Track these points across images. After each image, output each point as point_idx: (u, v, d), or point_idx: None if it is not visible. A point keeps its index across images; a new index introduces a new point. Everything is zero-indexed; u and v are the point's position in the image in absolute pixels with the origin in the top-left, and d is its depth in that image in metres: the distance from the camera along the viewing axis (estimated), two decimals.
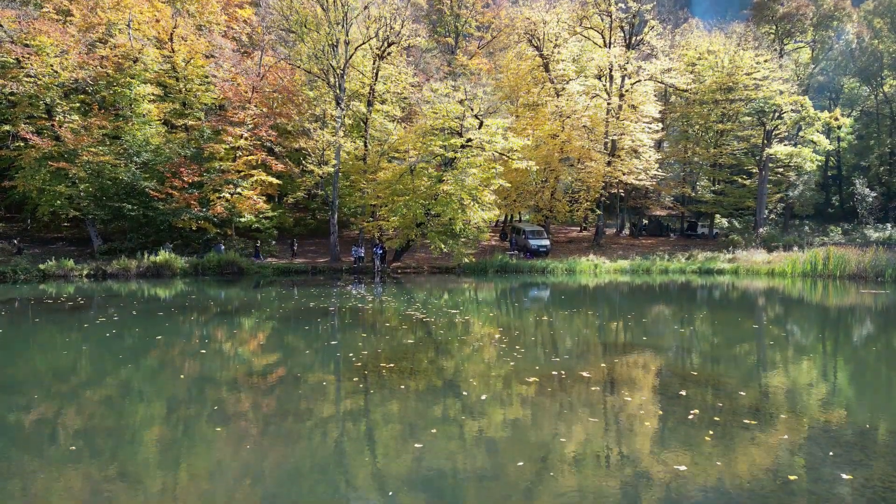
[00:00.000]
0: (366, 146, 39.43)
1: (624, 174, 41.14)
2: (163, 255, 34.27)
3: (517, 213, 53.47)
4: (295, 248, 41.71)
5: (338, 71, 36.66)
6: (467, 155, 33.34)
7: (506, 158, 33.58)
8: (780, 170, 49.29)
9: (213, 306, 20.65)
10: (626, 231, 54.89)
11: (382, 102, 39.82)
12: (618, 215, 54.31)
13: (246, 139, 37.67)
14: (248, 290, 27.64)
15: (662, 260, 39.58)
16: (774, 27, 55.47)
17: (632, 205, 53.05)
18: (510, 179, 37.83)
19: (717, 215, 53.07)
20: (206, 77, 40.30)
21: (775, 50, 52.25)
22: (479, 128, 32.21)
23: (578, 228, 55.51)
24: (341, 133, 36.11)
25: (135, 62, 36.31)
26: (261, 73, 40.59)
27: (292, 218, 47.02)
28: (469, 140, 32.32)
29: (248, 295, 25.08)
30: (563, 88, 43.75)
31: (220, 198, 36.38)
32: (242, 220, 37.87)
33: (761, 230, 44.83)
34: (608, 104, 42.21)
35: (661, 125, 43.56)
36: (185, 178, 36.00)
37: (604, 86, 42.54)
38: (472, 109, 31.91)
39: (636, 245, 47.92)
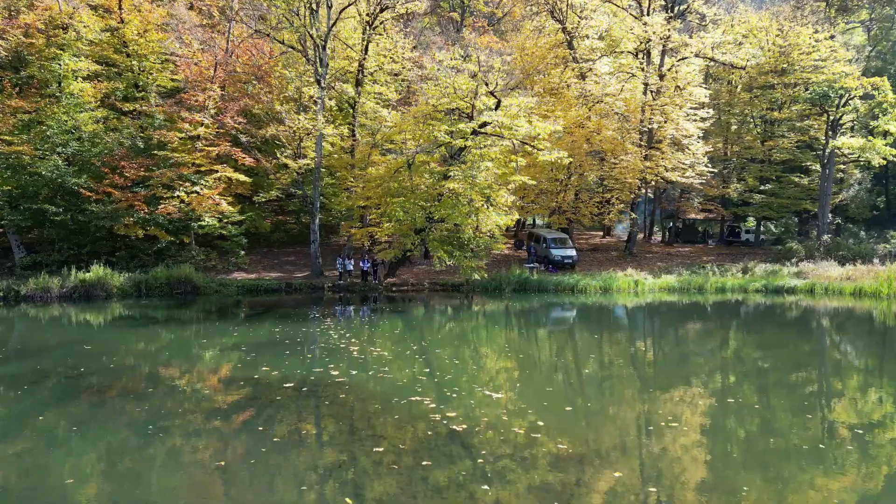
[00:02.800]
0: (353, 136, 32.30)
1: (666, 170, 33.99)
2: (95, 271, 27.18)
3: (532, 216, 46.44)
4: (346, 262, 30.62)
5: (318, 41, 29.53)
6: (480, 144, 26.20)
7: (530, 148, 26.40)
8: (843, 166, 42.22)
9: (99, 374, 13.41)
10: (657, 237, 47.81)
11: (374, 83, 32.65)
12: (646, 219, 47.12)
13: (207, 127, 30.51)
14: (186, 325, 20.42)
15: (715, 275, 32.45)
16: (825, 3, 48.31)
17: (663, 207, 45.93)
18: (530, 175, 30.64)
19: (751, 219, 45.92)
20: (164, 54, 33.27)
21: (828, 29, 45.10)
22: (496, 109, 25.02)
23: (601, 233, 48.38)
24: (322, 118, 28.95)
25: (64, 30, 29.16)
26: (229, 49, 33.52)
27: (270, 222, 39.84)
28: (483, 124, 25.10)
29: (177, 341, 17.76)
30: (590, 69, 36.69)
31: (173, 197, 29.22)
32: (202, 224, 30.56)
33: (825, 237, 37.71)
34: (645, 86, 35.09)
35: (711, 111, 36.35)
36: (128, 174, 28.93)
37: (640, 64, 35.42)
38: (486, 84, 24.70)
39: (673, 254, 40.83)
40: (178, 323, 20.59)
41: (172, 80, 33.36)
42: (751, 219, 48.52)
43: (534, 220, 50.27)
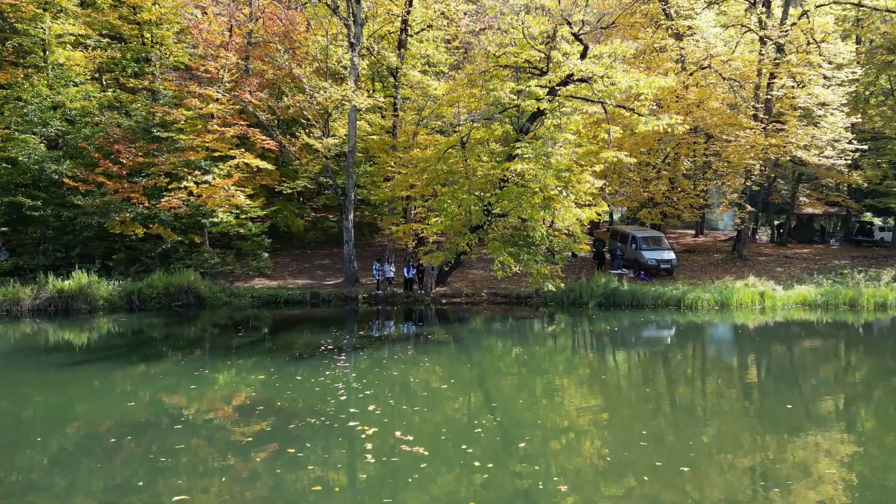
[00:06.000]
0: (395, 111, 26.12)
1: (797, 148, 26.23)
2: (77, 279, 22.01)
3: (612, 210, 39.22)
4: (386, 268, 24.80)
5: None
6: (556, 112, 19.40)
7: (627, 113, 19.43)
8: None
9: None
10: (763, 236, 39.70)
11: (420, 42, 26.31)
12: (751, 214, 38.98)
13: (221, 103, 25.03)
14: (142, 363, 14.48)
15: (867, 286, 24.55)
16: None
17: (774, 199, 37.76)
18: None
19: (868, 213, 37.15)
20: (179, 23, 28.29)
21: None
22: (582, 58, 18.21)
23: (693, 231, 40.61)
24: (353, 86, 22.84)
25: None
26: (252, 14, 28.00)
27: (308, 220, 34.19)
28: (567, 78, 18.26)
29: (87, 402, 11.80)
30: (689, 27, 29.23)
31: (179, 188, 23.85)
32: (215, 221, 25.01)
33: None
34: (764, 42, 27.42)
35: (859, 69, 28.25)
36: (125, 160, 23.77)
37: (759, 16, 27.76)
38: (569, 24, 17.90)
39: (791, 257, 32.77)
40: (137, 357, 14.81)
41: (190, 53, 28.25)
42: (868, 213, 39.82)
43: (611, 216, 42.96)
